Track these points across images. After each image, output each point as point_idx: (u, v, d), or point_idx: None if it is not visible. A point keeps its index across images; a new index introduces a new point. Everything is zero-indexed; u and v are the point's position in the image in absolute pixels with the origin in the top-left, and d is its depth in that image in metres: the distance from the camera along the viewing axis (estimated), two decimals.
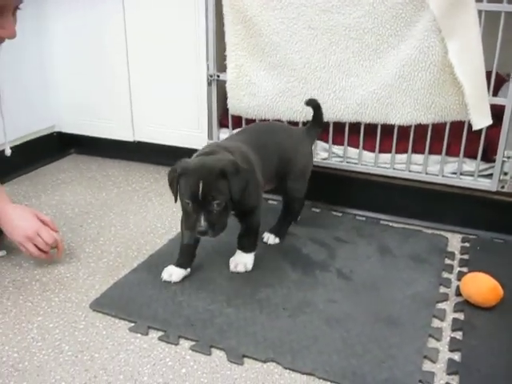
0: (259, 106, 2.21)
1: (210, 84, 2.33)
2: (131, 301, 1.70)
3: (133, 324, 1.61)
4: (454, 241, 2.11)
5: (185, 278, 1.81)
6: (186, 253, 1.82)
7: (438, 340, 1.56)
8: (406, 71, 1.94)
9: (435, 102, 1.95)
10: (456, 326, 1.62)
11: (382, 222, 2.23)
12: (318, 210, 2.31)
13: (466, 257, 1.99)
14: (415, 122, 2.00)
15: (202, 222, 1.57)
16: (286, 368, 1.44)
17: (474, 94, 1.86)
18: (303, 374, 1.42)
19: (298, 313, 1.64)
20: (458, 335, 1.58)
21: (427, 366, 1.46)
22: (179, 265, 1.81)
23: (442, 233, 2.15)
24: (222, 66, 2.28)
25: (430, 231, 2.17)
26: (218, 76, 2.30)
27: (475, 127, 1.91)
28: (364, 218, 2.25)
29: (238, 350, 1.49)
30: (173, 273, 1.80)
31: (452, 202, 2.14)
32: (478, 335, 1.57)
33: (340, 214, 2.28)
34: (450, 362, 1.47)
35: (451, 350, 1.52)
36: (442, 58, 1.88)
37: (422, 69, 1.92)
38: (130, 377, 1.41)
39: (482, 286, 1.70)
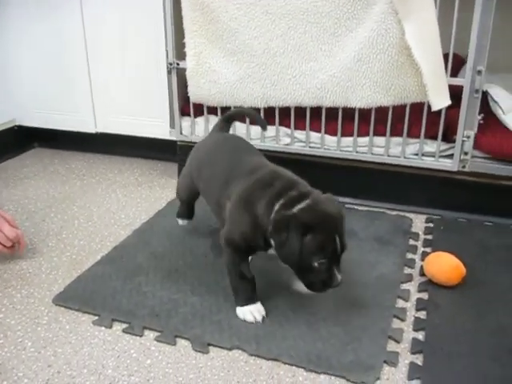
0: (220, 92, 2.19)
1: (169, 72, 2.30)
2: (95, 294, 1.68)
3: (96, 317, 1.59)
4: (418, 222, 2.13)
5: (149, 269, 1.79)
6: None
7: (403, 320, 1.57)
8: (364, 54, 1.94)
9: (394, 83, 1.95)
10: (420, 305, 1.63)
11: (347, 205, 2.24)
12: None
13: (429, 237, 2.01)
14: (375, 104, 2.00)
15: (338, 276, 1.43)
16: (251, 355, 1.44)
17: (431, 75, 1.87)
18: (268, 359, 1.42)
19: (263, 298, 1.64)
20: (422, 315, 1.59)
21: (392, 346, 1.47)
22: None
23: (406, 214, 2.17)
24: (181, 53, 2.25)
25: (394, 213, 2.18)
26: (178, 64, 2.27)
27: (434, 108, 1.91)
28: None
29: (203, 338, 1.49)
30: None
31: (415, 183, 2.16)
32: (441, 314, 1.59)
33: None
34: (414, 341, 1.49)
35: (415, 330, 1.53)
36: (399, 40, 1.88)
37: (381, 51, 1.92)
38: (94, 370, 1.40)
39: (444, 265, 1.71)
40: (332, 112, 2.11)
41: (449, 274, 1.69)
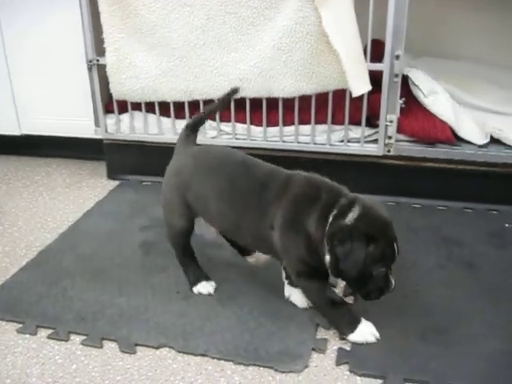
0: (143, 88, 2.16)
1: (90, 69, 2.25)
2: (19, 301, 1.63)
3: (21, 325, 1.54)
4: None
5: (76, 272, 1.75)
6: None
7: None
8: (283, 43, 1.94)
9: (316, 71, 1.95)
10: (349, 290, 1.63)
11: None
12: None
13: None
14: (298, 93, 2.00)
15: (392, 280, 1.40)
16: (179, 352, 1.42)
17: (350, 61, 1.88)
18: (196, 355, 1.41)
19: (191, 295, 1.62)
20: (350, 299, 1.60)
21: (321, 333, 1.48)
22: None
23: None
24: (102, 49, 2.20)
25: None
26: (98, 60, 2.22)
27: (355, 94, 1.93)
28: None
29: (130, 339, 1.46)
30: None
31: (342, 169, 2.16)
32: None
33: None
34: None
35: None
36: (317, 28, 1.88)
37: (300, 39, 1.92)
38: (18, 380, 1.36)
39: None
40: (257, 102, 2.09)
41: None
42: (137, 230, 1.99)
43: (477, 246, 1.84)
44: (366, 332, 1.44)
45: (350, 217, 1.34)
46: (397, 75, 1.96)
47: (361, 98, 1.99)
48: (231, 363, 1.38)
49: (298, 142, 2.13)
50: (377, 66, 1.97)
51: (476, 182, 2.06)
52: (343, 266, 1.33)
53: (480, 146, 2.06)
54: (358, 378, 1.33)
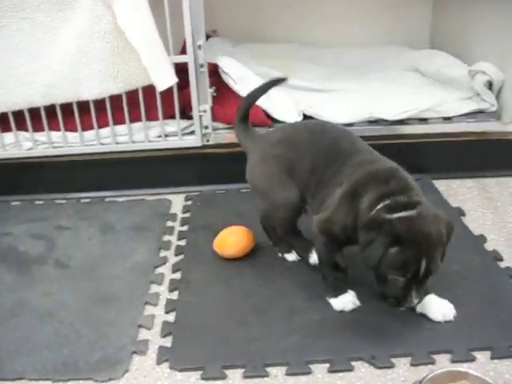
0: None
1: None
2: None
3: None
4: (178, 202, 2.13)
5: None
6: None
7: (155, 305, 1.57)
8: (82, 44, 1.89)
9: (120, 70, 1.92)
10: (173, 286, 1.64)
11: (106, 199, 2.18)
12: (41, 203, 2.18)
13: (187, 215, 2.03)
14: (106, 93, 1.96)
15: (414, 299, 1.31)
16: None
17: (151, 56, 1.86)
18: (13, 380, 1.34)
19: (9, 317, 1.55)
20: (175, 295, 1.60)
21: (143, 334, 1.46)
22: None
23: (167, 196, 2.17)
24: None
25: (154, 198, 2.16)
26: None
27: (160, 88, 1.92)
28: (89, 200, 2.18)
29: None
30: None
31: (165, 164, 2.15)
32: (192, 291, 1.61)
33: (64, 201, 2.18)
34: (165, 324, 1.49)
35: (167, 312, 1.54)
36: (114, 26, 1.85)
37: (98, 39, 1.87)
38: None
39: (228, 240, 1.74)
40: (68, 108, 2.03)
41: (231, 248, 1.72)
42: None
43: None
44: (345, 301, 1.49)
45: (398, 214, 1.29)
46: (202, 65, 1.97)
47: (172, 91, 1.98)
48: (50, 382, 1.33)
49: (117, 143, 2.09)
50: (181, 58, 1.96)
51: None
52: (362, 253, 1.32)
53: None
54: (179, 373, 1.33)
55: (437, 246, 1.28)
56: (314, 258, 1.64)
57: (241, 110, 1.73)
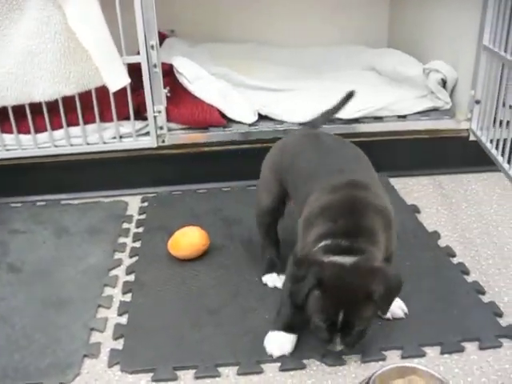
0: None
1: None
2: None
3: None
4: (135, 203, 2.12)
5: None
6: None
7: (108, 308, 1.55)
8: (33, 45, 1.86)
9: (72, 71, 1.89)
10: (126, 288, 1.62)
11: (62, 202, 2.15)
12: None
13: (143, 217, 2.01)
14: (59, 95, 1.93)
15: (338, 346, 1.25)
16: None
17: (102, 57, 1.85)
18: None
19: None
20: (128, 297, 1.59)
21: (95, 337, 1.45)
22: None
23: (123, 198, 2.15)
24: None
25: (110, 200, 2.15)
26: None
27: (112, 89, 1.90)
28: (44, 203, 2.15)
29: None
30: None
31: (120, 166, 2.14)
32: (146, 293, 1.60)
33: (19, 205, 2.15)
34: (117, 326, 1.48)
35: (120, 315, 1.53)
36: (65, 26, 1.83)
37: (49, 40, 1.85)
38: None
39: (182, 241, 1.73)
40: (21, 110, 2.00)
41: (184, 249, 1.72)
42: None
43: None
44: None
45: (334, 258, 1.21)
46: (155, 65, 1.96)
47: (126, 92, 1.97)
48: None
49: (71, 145, 2.07)
50: (133, 59, 1.95)
51: (251, 160, 2.11)
52: (291, 287, 1.27)
53: (251, 125, 2.13)
54: (130, 375, 1.32)
55: (360, 300, 1.19)
56: (271, 281, 1.61)
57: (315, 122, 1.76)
